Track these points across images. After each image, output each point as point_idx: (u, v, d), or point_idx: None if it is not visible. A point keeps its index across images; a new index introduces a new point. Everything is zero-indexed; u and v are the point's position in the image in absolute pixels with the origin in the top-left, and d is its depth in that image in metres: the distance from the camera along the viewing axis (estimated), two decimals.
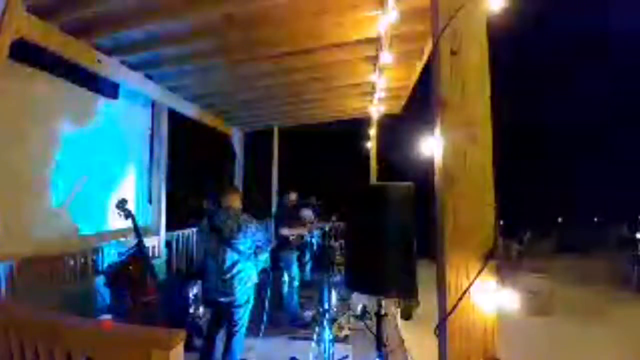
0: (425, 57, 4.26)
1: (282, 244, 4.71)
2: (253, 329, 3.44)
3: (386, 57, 3.77)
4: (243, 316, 2.99)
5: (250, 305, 3.05)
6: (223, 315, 3.01)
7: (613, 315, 6.97)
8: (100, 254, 4.07)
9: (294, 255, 4.75)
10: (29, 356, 1.66)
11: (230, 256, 2.90)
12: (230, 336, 2.99)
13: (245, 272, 2.95)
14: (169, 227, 5.42)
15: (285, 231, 4.67)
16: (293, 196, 5.05)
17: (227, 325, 3.02)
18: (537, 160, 23.22)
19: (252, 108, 6.50)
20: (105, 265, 3.87)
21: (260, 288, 3.25)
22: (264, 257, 3.22)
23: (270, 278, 3.52)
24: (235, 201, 3.09)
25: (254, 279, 3.05)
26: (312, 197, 6.38)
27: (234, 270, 2.90)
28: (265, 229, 3.20)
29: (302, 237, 4.87)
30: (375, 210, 1.87)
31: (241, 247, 2.92)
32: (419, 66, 4.65)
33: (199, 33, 3.60)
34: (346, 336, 4.10)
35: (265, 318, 3.50)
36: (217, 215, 3.00)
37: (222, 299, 2.94)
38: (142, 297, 3.34)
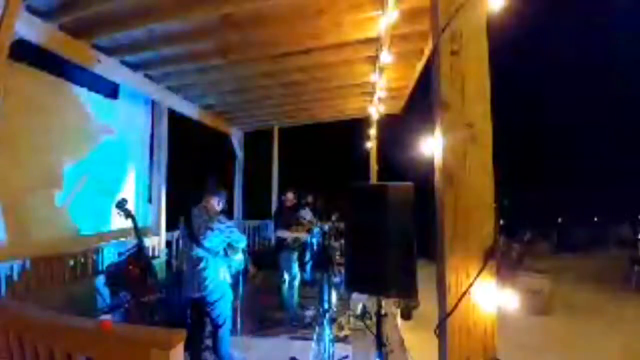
0: (425, 57, 4.26)
1: (281, 246, 4.71)
2: (247, 329, 3.46)
3: (386, 57, 3.77)
4: (222, 313, 3.04)
5: (226, 303, 3.08)
6: (203, 313, 3.07)
7: (613, 314, 6.97)
8: (100, 254, 4.07)
9: (294, 256, 4.74)
10: (29, 356, 1.66)
11: (197, 252, 2.99)
12: (214, 334, 3.06)
13: (212, 269, 3.00)
14: (169, 227, 5.42)
15: (281, 233, 4.67)
16: (290, 195, 5.04)
17: (210, 324, 3.09)
18: (537, 161, 23.23)
19: (252, 108, 6.50)
20: (105, 265, 3.87)
21: (233, 289, 3.28)
22: (237, 256, 3.23)
23: (242, 280, 3.55)
24: (211, 201, 3.13)
25: (224, 277, 3.09)
26: (309, 196, 6.37)
27: (200, 266, 2.97)
28: (242, 228, 3.26)
29: (299, 239, 4.87)
30: (375, 210, 1.87)
31: (207, 244, 2.98)
32: (419, 66, 4.65)
33: (198, 33, 3.60)
34: (346, 336, 4.09)
35: (238, 319, 3.54)
36: (193, 212, 3.08)
37: (193, 295, 3.01)
38: (142, 297, 3.34)
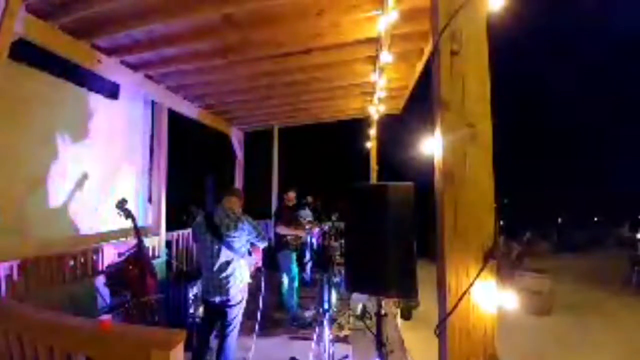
0: (425, 57, 4.26)
1: (280, 244, 4.71)
2: (249, 328, 3.45)
3: (386, 57, 3.77)
4: (237, 316, 2.97)
5: (243, 305, 3.03)
6: (216, 315, 2.99)
7: (613, 314, 6.98)
8: (100, 254, 4.07)
9: (293, 256, 4.74)
10: (29, 356, 1.66)
11: (225, 255, 2.89)
12: (223, 336, 2.97)
13: (239, 271, 2.94)
14: (169, 227, 5.42)
15: (281, 229, 4.66)
16: (292, 194, 5.04)
17: (220, 325, 3.00)
18: (537, 160, 23.24)
19: (252, 108, 6.50)
20: (105, 265, 3.87)
21: (255, 287, 3.24)
22: (258, 256, 3.19)
23: (265, 277, 3.51)
24: (234, 203, 3.08)
25: (247, 278, 3.04)
26: (308, 197, 6.38)
27: (228, 270, 2.88)
28: (264, 228, 3.18)
29: (299, 237, 4.87)
30: (375, 210, 1.87)
31: (236, 245, 2.91)
32: (419, 66, 4.65)
33: (198, 33, 3.60)
34: (346, 336, 4.10)
35: (259, 317, 3.50)
36: (215, 213, 2.99)
37: (216, 299, 2.91)
38: (142, 297, 3.33)
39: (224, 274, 2.88)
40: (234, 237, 2.89)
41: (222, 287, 2.89)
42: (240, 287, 2.93)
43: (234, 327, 2.97)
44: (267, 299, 3.53)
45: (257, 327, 3.48)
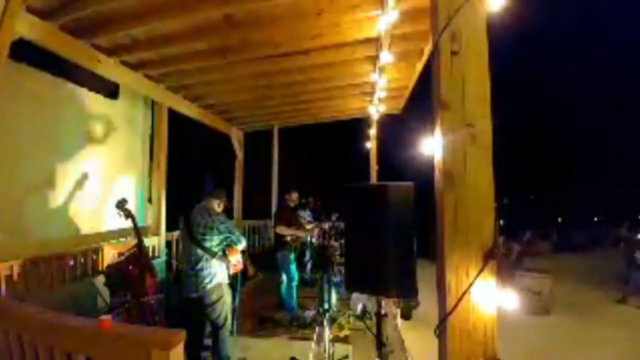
0: (425, 57, 4.26)
1: (279, 244, 4.71)
2: (247, 328, 3.46)
3: (386, 57, 3.77)
4: (220, 315, 3.01)
5: (224, 304, 3.05)
6: (201, 314, 3.04)
7: (612, 314, 6.98)
8: (100, 254, 4.07)
9: (292, 256, 4.73)
10: (29, 356, 1.66)
11: (195, 253, 2.96)
12: (214, 336, 3.05)
13: (210, 270, 2.97)
14: (169, 227, 5.42)
15: (280, 230, 4.66)
16: (294, 195, 5.04)
17: (210, 325, 3.08)
18: (537, 161, 23.23)
19: (252, 108, 6.50)
20: (105, 265, 3.87)
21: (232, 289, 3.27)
22: (235, 257, 3.21)
23: (239, 280, 3.55)
24: (213, 202, 3.12)
25: (223, 278, 3.06)
26: (310, 199, 6.38)
27: (198, 267, 2.95)
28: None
29: (299, 237, 4.87)
30: (375, 210, 1.87)
31: (206, 244, 2.96)
32: (419, 66, 4.65)
33: (198, 33, 3.60)
34: (346, 336, 4.09)
35: (235, 319, 3.54)
36: (192, 212, 3.06)
37: (191, 296, 2.98)
38: (142, 297, 3.33)
39: (193, 272, 2.96)
40: (204, 235, 2.96)
41: (192, 284, 2.97)
42: (210, 286, 2.97)
43: (222, 323, 3.04)
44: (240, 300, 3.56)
45: (234, 326, 3.53)
